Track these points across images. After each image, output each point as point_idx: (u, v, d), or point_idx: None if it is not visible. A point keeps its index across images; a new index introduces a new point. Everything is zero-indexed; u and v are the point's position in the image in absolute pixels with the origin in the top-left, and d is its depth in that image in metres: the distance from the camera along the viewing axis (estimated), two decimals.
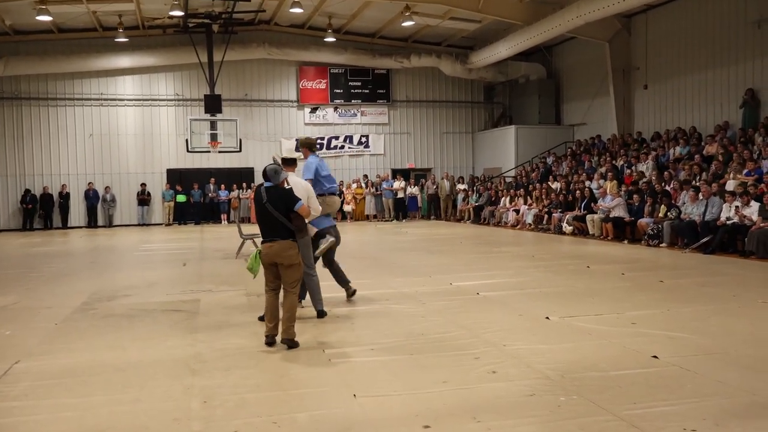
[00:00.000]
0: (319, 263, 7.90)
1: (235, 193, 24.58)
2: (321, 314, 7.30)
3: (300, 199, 6.14)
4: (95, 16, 21.51)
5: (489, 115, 27.84)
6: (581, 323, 6.72)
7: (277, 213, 6.00)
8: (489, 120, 27.75)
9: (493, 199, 22.16)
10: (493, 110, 27.81)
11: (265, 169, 6.17)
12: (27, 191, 23.33)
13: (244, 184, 24.72)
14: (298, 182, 6.97)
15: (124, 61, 23.57)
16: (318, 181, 7.84)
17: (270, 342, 6.06)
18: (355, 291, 8.35)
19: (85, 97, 23.95)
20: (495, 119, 27.59)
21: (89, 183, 23.99)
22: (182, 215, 24.59)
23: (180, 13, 20.04)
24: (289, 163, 7.37)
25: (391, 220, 24.19)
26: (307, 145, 8.15)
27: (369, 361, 5.53)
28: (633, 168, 18.11)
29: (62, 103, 23.79)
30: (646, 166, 17.74)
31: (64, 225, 23.80)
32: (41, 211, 23.56)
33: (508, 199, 21.12)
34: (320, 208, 7.16)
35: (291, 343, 5.96)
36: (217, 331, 6.82)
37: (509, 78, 26.29)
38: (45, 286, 10.09)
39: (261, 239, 6.22)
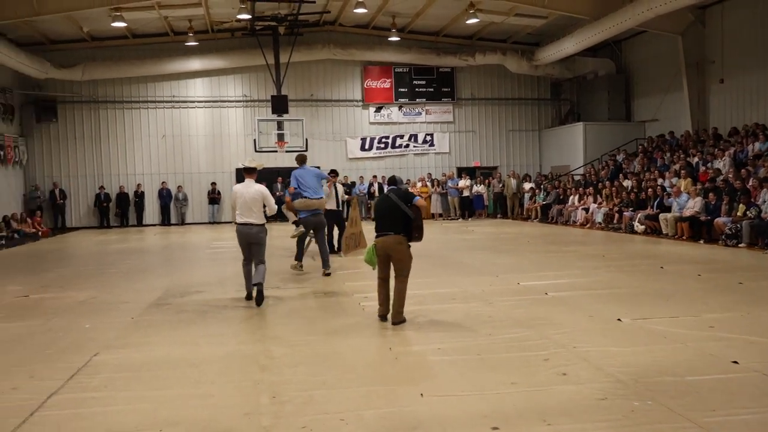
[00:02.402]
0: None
1: None
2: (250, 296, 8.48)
3: (417, 196, 7.13)
4: (167, 21, 22.17)
5: (556, 112, 27.33)
6: (655, 326, 6.51)
7: (399, 201, 6.93)
8: (556, 117, 27.25)
9: (561, 197, 21.75)
10: (560, 107, 27.29)
11: (393, 177, 7.49)
12: (101, 188, 24.15)
13: None
14: (257, 186, 8.46)
15: (195, 64, 24.21)
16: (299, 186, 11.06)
17: (382, 318, 7.03)
18: (300, 265, 10.98)
19: (158, 100, 24.72)
20: (562, 116, 27.06)
21: (162, 182, 24.76)
22: None
23: (247, 17, 20.43)
24: (249, 171, 8.62)
25: (457, 219, 24.06)
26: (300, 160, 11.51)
27: (436, 360, 5.50)
28: (708, 165, 17.44)
29: (136, 105, 24.63)
30: (722, 163, 17.05)
31: (140, 223, 24.65)
32: (118, 209, 24.43)
33: (576, 197, 20.68)
34: (275, 207, 8.66)
35: (399, 323, 6.83)
36: (284, 327, 6.92)
37: (577, 74, 25.73)
38: (122, 282, 10.47)
39: (376, 235, 7.06)
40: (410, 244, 7.00)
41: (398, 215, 6.92)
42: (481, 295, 8.41)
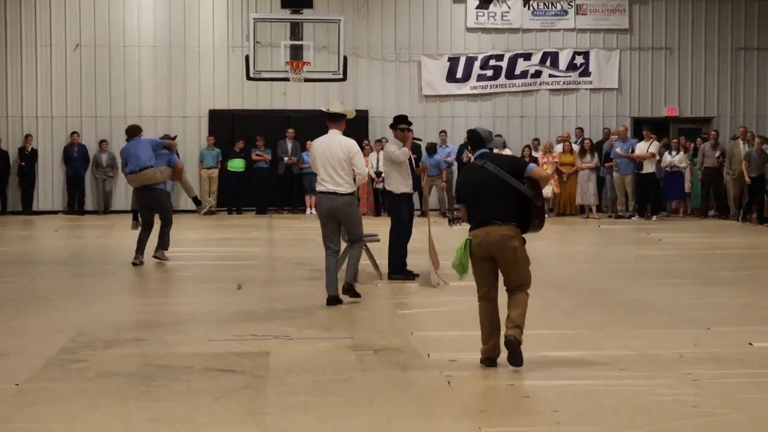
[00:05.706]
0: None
1: None
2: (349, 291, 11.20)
3: (531, 163, 7.80)
4: None
5: None
6: None
7: (503, 173, 7.80)
8: None
9: None
10: None
11: (475, 131, 8.32)
12: None
13: None
14: (344, 140, 10.62)
15: None
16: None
17: (489, 363, 7.98)
18: (141, 263, 14.71)
19: None
20: None
21: (72, 133, 25.16)
22: (236, 195, 25.47)
23: None
24: (335, 119, 10.63)
25: (629, 216, 23.83)
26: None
27: None
28: None
29: None
30: None
31: (27, 208, 25.08)
32: None
33: None
34: (365, 170, 11.04)
35: (518, 345, 7.81)
36: (300, 412, 6.97)
37: None
38: None
39: (471, 227, 8.00)
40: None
41: (505, 194, 7.88)
42: (677, 364, 8.37)
